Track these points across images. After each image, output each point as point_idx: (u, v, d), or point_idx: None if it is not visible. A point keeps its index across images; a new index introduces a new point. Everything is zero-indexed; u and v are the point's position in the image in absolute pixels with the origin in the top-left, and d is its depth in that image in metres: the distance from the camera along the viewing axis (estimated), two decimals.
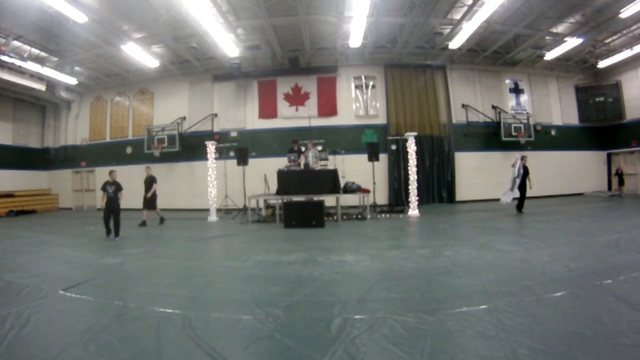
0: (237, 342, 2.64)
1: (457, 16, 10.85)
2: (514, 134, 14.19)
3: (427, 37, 12.45)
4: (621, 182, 14.25)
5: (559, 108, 15.55)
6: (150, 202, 9.83)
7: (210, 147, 11.12)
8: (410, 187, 10.60)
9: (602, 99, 15.33)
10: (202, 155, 12.42)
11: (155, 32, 10.97)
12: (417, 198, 10.54)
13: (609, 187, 15.52)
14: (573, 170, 15.09)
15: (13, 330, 2.89)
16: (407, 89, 14.20)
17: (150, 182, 9.91)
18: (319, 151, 11.47)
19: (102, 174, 16.00)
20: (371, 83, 14.28)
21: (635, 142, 14.63)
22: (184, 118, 14.80)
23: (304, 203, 9.05)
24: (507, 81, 15.08)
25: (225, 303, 3.48)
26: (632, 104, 14.70)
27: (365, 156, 10.93)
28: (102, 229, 7.77)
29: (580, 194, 14.91)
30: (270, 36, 11.59)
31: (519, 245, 5.73)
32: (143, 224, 9.57)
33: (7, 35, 10.04)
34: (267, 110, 14.39)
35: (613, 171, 14.96)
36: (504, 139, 14.09)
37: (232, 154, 13.29)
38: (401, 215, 10.39)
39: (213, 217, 10.78)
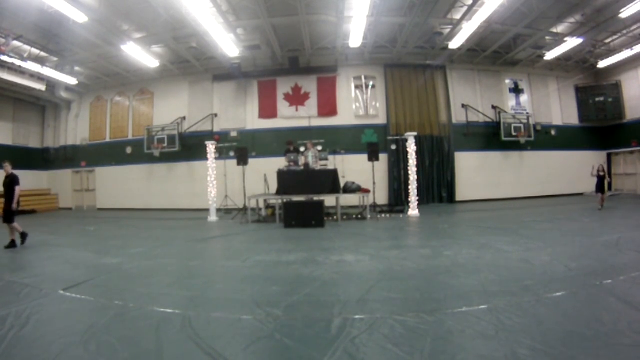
0: (237, 342, 2.64)
1: (457, 16, 10.85)
2: (514, 134, 14.19)
3: (427, 37, 12.44)
4: (601, 188, 10.12)
5: (559, 108, 15.55)
6: (10, 214, 6.77)
7: (210, 147, 11.11)
8: (410, 187, 10.60)
9: (602, 99, 15.32)
10: (202, 155, 12.42)
11: (155, 32, 10.97)
12: (417, 198, 10.53)
13: (609, 188, 15.44)
14: (573, 170, 15.07)
15: (13, 330, 2.89)
16: (407, 89, 14.20)
17: (10, 184, 6.85)
18: (319, 151, 11.48)
19: (102, 174, 16.06)
20: (371, 83, 14.27)
21: (635, 142, 14.62)
22: (184, 118, 14.80)
23: (304, 203, 9.05)
24: (507, 81, 15.08)
25: (225, 303, 3.48)
26: (632, 104, 14.70)
27: (365, 156, 10.93)
28: (104, 230, 7.70)
29: (580, 194, 14.90)
30: (270, 36, 11.58)
31: (519, 245, 5.72)
32: (12, 245, 6.71)
33: (7, 35, 10.03)
34: (267, 110, 14.38)
35: (593, 172, 10.56)
36: (504, 139, 14.09)
37: (232, 154, 13.30)
38: (401, 215, 10.39)
39: (213, 217, 10.78)
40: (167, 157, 14.70)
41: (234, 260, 5.50)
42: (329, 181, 9.67)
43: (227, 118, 14.60)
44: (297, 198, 9.36)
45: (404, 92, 14.19)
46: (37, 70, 12.12)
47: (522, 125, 14.33)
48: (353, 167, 12.90)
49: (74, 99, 16.17)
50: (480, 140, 14.49)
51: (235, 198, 12.41)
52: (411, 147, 10.53)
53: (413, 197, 10.49)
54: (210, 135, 14.18)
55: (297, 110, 14.24)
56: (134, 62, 13.09)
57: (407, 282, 3.98)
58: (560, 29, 11.89)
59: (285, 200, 9.29)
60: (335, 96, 14.20)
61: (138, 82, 15.36)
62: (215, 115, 14.64)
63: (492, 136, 14.43)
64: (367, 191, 10.29)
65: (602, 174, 10.29)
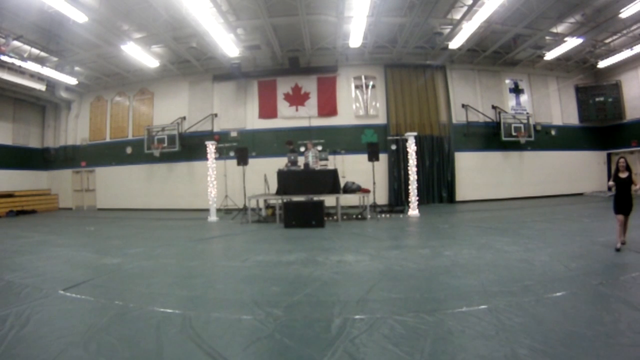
0: (237, 342, 2.64)
1: (457, 16, 10.84)
2: (514, 134, 14.18)
3: (427, 37, 12.44)
4: (625, 204, 5.27)
5: (559, 108, 15.54)
6: None
7: (210, 147, 11.11)
8: (410, 187, 10.60)
9: (602, 99, 15.32)
10: (202, 155, 12.43)
11: (155, 32, 10.96)
12: (417, 198, 10.53)
13: (609, 188, 15.39)
14: (573, 170, 15.08)
15: (13, 330, 2.89)
16: (407, 89, 14.19)
17: None
18: (319, 151, 11.47)
19: (102, 174, 16.06)
20: (371, 83, 14.27)
21: (635, 142, 14.62)
22: (184, 118, 14.79)
23: (304, 203, 9.05)
24: (507, 81, 15.07)
25: (225, 303, 3.48)
26: (632, 104, 14.69)
27: (365, 156, 10.93)
28: (104, 230, 7.71)
29: (580, 194, 14.90)
30: (270, 36, 11.58)
31: (518, 245, 5.72)
32: None
33: (7, 35, 10.02)
34: (267, 110, 14.38)
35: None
36: (504, 139, 14.08)
37: (232, 154, 13.29)
38: (401, 215, 10.38)
39: (213, 217, 10.77)
40: (167, 157, 14.70)
41: (234, 260, 5.50)
42: (329, 181, 9.67)
43: (227, 118, 14.60)
44: (297, 198, 9.37)
45: (404, 92, 14.18)
46: (37, 70, 12.10)
47: (522, 125, 14.31)
48: (353, 167, 12.90)
49: (74, 99, 16.17)
50: (480, 140, 14.48)
51: (235, 198, 12.41)
52: (411, 147, 10.53)
53: (413, 197, 10.49)
54: (210, 135, 14.18)
55: (297, 110, 14.23)
56: (134, 62, 13.08)
57: (407, 282, 3.98)
58: (560, 29, 11.89)
59: (285, 200, 9.29)
60: (335, 96, 14.19)
61: (138, 82, 15.36)
62: (215, 115, 14.63)
63: (492, 136, 14.42)
64: (367, 191, 10.29)
65: (623, 175, 5.40)
